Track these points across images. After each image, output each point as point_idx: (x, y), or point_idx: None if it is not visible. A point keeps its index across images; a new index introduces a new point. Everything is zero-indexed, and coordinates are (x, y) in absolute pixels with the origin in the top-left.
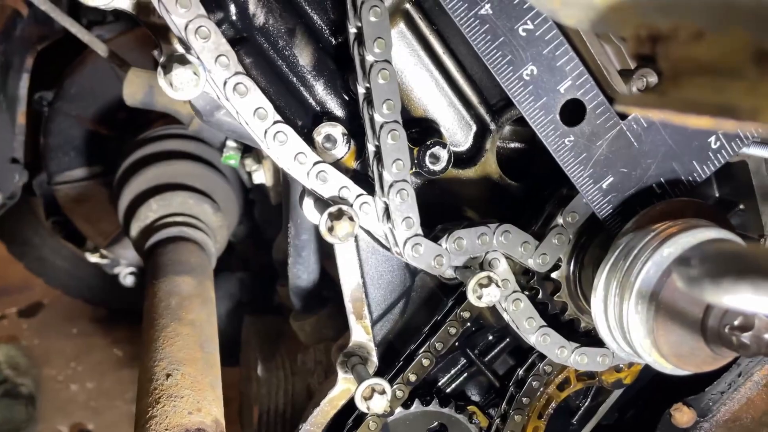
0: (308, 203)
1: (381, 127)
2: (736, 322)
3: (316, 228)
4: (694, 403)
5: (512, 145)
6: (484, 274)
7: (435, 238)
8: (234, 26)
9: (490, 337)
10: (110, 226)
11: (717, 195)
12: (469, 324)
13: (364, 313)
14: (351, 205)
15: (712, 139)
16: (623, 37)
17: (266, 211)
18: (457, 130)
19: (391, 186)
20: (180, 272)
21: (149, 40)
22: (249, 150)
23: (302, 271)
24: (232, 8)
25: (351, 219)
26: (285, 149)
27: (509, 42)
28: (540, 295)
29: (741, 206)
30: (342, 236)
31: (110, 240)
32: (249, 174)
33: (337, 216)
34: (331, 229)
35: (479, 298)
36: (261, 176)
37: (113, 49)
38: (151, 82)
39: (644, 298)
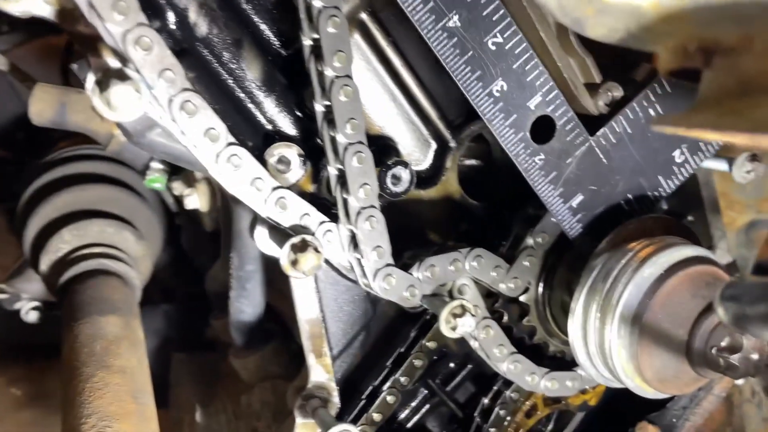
0: (261, 233)
1: (345, 149)
2: (723, 343)
3: (263, 258)
4: (657, 420)
5: (470, 162)
6: (456, 302)
7: (404, 267)
8: (173, 37)
9: (451, 365)
10: (8, 258)
11: (665, 207)
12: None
13: (323, 350)
14: (314, 234)
15: (677, 153)
16: (658, 50)
17: (195, 237)
18: (415, 148)
19: (358, 213)
20: (103, 311)
21: (53, 51)
22: (177, 172)
23: (246, 305)
24: (171, 16)
25: (317, 250)
26: (239, 174)
27: (478, 56)
28: (504, 319)
29: (690, 218)
30: (308, 270)
31: (10, 273)
32: (176, 198)
33: (302, 248)
34: (294, 263)
35: (453, 329)
36: (194, 201)
37: (13, 61)
38: (62, 99)
39: (627, 321)
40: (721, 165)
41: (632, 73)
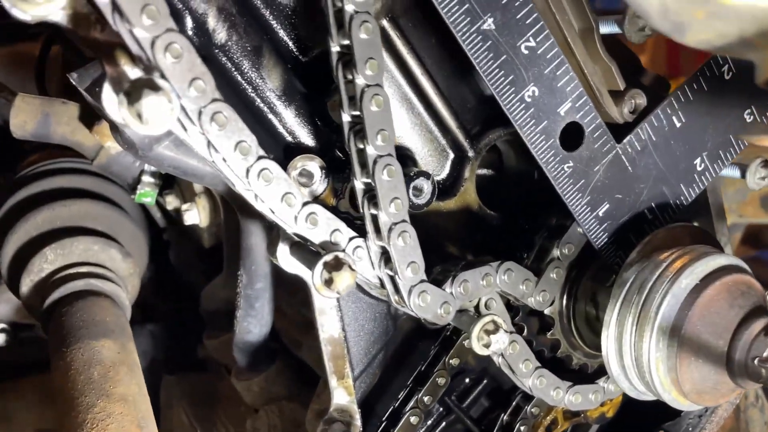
0: (283, 250)
1: (375, 161)
2: (765, 354)
3: (273, 274)
4: (673, 429)
5: (482, 172)
6: (488, 318)
7: (435, 282)
8: (191, 43)
9: (467, 380)
10: None
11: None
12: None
13: (345, 371)
14: (344, 251)
15: (698, 161)
16: (764, 59)
17: (185, 253)
18: (433, 158)
19: (390, 229)
20: (97, 335)
21: (25, 59)
22: (169, 185)
23: (254, 325)
24: (189, 22)
25: (351, 268)
26: (270, 189)
27: (511, 60)
28: (524, 332)
29: (695, 224)
30: (343, 289)
31: None
32: (165, 212)
33: (335, 266)
34: (328, 282)
35: (486, 345)
36: (194, 216)
37: None
38: (45, 110)
39: (665, 333)
40: (733, 172)
41: (640, 77)
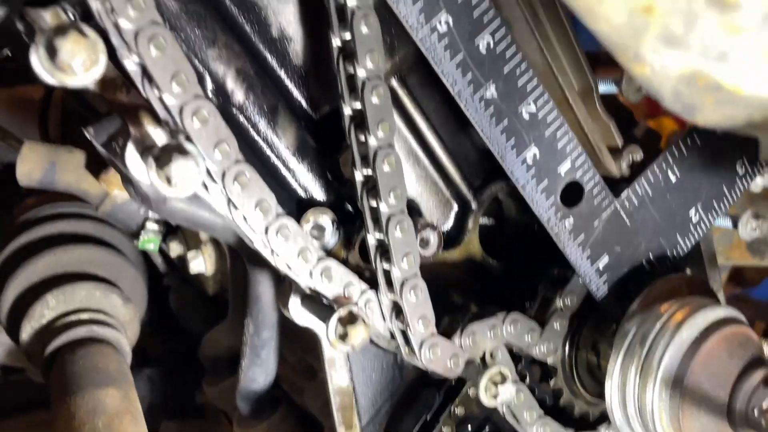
0: (295, 303)
1: (388, 219)
2: (764, 404)
3: (281, 323)
4: None
5: (489, 222)
6: (495, 369)
7: (445, 334)
8: (213, 105)
9: (470, 428)
10: None
11: None
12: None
13: (354, 421)
14: (357, 305)
15: (692, 212)
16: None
17: (185, 299)
18: (438, 209)
19: (403, 284)
20: (100, 384)
21: (27, 103)
22: (173, 232)
23: (259, 374)
24: (209, 83)
25: (365, 322)
26: (288, 246)
27: (513, 125)
28: (527, 381)
29: (688, 271)
30: (357, 344)
31: None
32: (167, 258)
33: (350, 320)
34: (343, 337)
35: (494, 396)
36: (200, 265)
37: None
38: (51, 158)
39: (668, 384)
40: (726, 223)
41: (633, 131)
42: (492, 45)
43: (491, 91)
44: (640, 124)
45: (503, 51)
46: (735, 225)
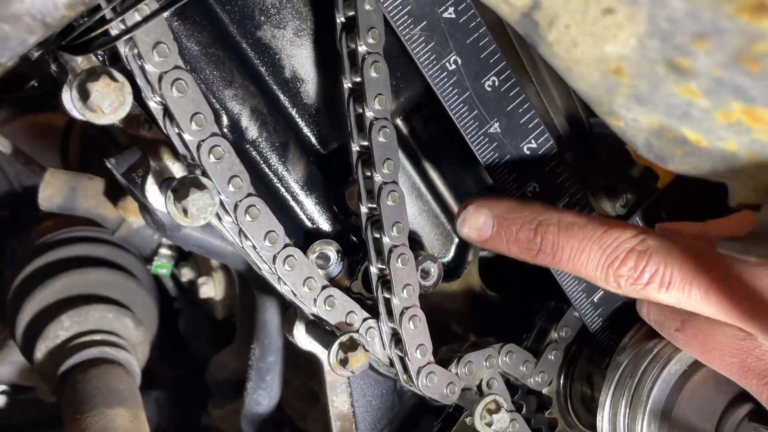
0: (300, 329)
1: (390, 251)
2: None
3: (285, 349)
4: None
5: (489, 255)
6: (490, 398)
7: (442, 363)
8: (225, 139)
9: None
10: None
11: None
12: None
13: None
14: (358, 332)
15: None
16: (735, 185)
17: (195, 323)
18: (439, 241)
19: (402, 313)
20: (111, 403)
21: (50, 130)
22: (185, 258)
23: (264, 397)
24: (225, 120)
25: (365, 349)
26: (294, 274)
27: (515, 159)
28: (523, 411)
29: None
30: (356, 369)
31: None
32: (178, 283)
33: (351, 346)
34: (344, 362)
35: (489, 425)
36: (210, 290)
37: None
38: (72, 184)
39: (656, 416)
40: None
41: (630, 170)
42: (497, 84)
43: (495, 128)
44: (637, 164)
45: (507, 90)
46: None
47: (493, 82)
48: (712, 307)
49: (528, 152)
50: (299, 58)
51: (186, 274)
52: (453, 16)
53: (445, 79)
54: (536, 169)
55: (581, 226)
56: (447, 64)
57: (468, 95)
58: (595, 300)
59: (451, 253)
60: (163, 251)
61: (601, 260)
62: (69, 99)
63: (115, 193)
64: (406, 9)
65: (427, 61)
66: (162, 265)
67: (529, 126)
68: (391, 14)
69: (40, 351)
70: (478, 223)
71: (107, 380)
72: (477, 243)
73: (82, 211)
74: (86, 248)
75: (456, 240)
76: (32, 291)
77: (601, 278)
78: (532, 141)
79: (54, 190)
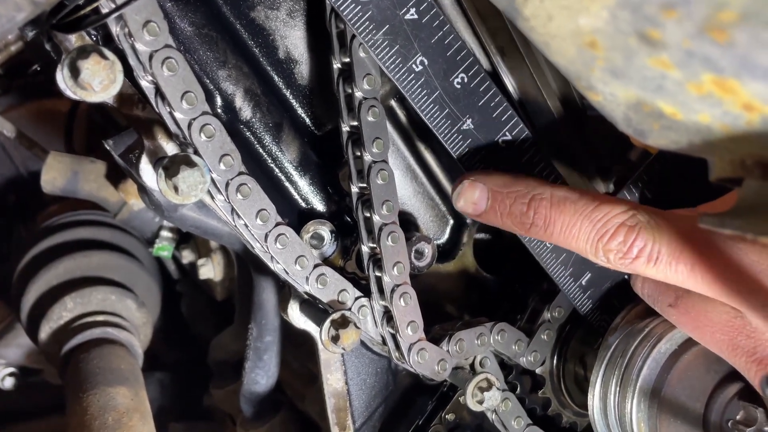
0: (294, 307)
1: (380, 229)
2: (738, 417)
3: (282, 328)
4: None
5: (480, 236)
6: (482, 376)
7: (434, 341)
8: (219, 119)
9: None
10: None
11: None
12: (451, 426)
13: (347, 423)
14: (350, 310)
15: None
16: (713, 159)
17: (196, 305)
18: (434, 223)
19: (393, 290)
20: (112, 382)
21: (54, 115)
22: (186, 240)
23: (261, 376)
24: (218, 100)
25: (356, 326)
26: (286, 252)
27: (491, 154)
28: (518, 390)
29: None
30: (347, 345)
31: None
32: (180, 265)
33: (342, 323)
34: (335, 339)
35: (480, 402)
36: (209, 271)
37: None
38: (74, 168)
39: (646, 395)
40: None
41: (628, 153)
42: (466, 80)
43: (468, 124)
44: (636, 147)
45: (477, 86)
46: None
47: (462, 79)
48: (699, 284)
49: (504, 145)
50: (293, 38)
51: (187, 256)
52: (415, 16)
53: (413, 81)
54: (513, 161)
55: (573, 200)
56: (413, 66)
57: (438, 95)
58: (583, 283)
59: (446, 235)
60: (164, 234)
61: (591, 234)
62: (61, 78)
63: (116, 176)
64: (367, 15)
65: (392, 65)
66: (163, 248)
67: (503, 119)
68: (352, 21)
69: (45, 332)
70: (474, 197)
71: (109, 360)
72: (472, 216)
73: (84, 194)
74: (89, 231)
75: (451, 222)
76: (36, 273)
77: (591, 252)
78: (507, 133)
79: (56, 173)
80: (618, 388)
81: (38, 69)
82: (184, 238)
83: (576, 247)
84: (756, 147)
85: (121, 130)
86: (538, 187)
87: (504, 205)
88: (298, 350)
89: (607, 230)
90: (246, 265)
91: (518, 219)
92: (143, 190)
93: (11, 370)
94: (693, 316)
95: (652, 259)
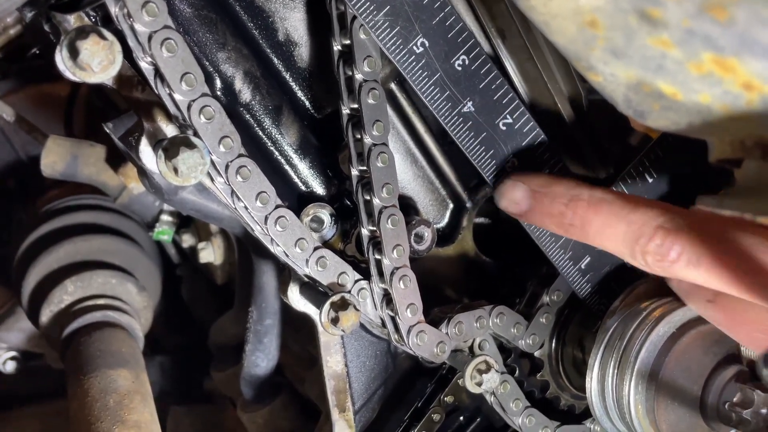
0: (294, 290)
1: (380, 212)
2: (735, 399)
3: (282, 311)
4: None
5: (479, 220)
6: (481, 359)
7: (433, 323)
8: (218, 102)
9: (461, 418)
10: None
11: None
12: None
13: (347, 405)
14: (350, 292)
15: None
16: (712, 140)
17: (197, 289)
18: (434, 207)
19: (392, 273)
20: (113, 365)
21: (53, 100)
22: (186, 224)
23: (261, 359)
24: (218, 83)
25: (356, 308)
26: (285, 235)
27: (491, 136)
28: (516, 374)
29: None
30: (347, 327)
31: None
32: (180, 250)
33: (342, 305)
34: (335, 321)
35: (478, 384)
36: (209, 255)
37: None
38: (74, 151)
39: (644, 377)
40: None
41: (629, 138)
42: (467, 62)
43: (469, 107)
44: (636, 132)
45: (478, 68)
46: None
47: (463, 61)
48: (737, 287)
49: (504, 128)
50: (292, 20)
51: (187, 240)
52: None
53: (414, 63)
54: (514, 145)
55: (609, 202)
56: (414, 48)
57: (438, 77)
58: (582, 267)
59: (446, 219)
60: (165, 218)
61: (627, 236)
62: (60, 59)
63: (116, 160)
64: None
65: (393, 47)
66: (163, 232)
67: (504, 102)
68: (352, 2)
69: (45, 315)
70: (516, 197)
71: (110, 343)
72: (515, 215)
73: (84, 178)
74: (89, 216)
75: (451, 206)
76: (37, 257)
77: (628, 253)
78: (508, 116)
79: (56, 157)
80: (616, 371)
81: (37, 52)
82: (184, 223)
83: (613, 248)
84: (756, 127)
85: (121, 113)
86: (577, 187)
87: (543, 205)
88: (298, 334)
89: (644, 233)
90: (246, 249)
91: (557, 219)
92: (143, 173)
93: (12, 354)
94: (730, 314)
95: (691, 262)
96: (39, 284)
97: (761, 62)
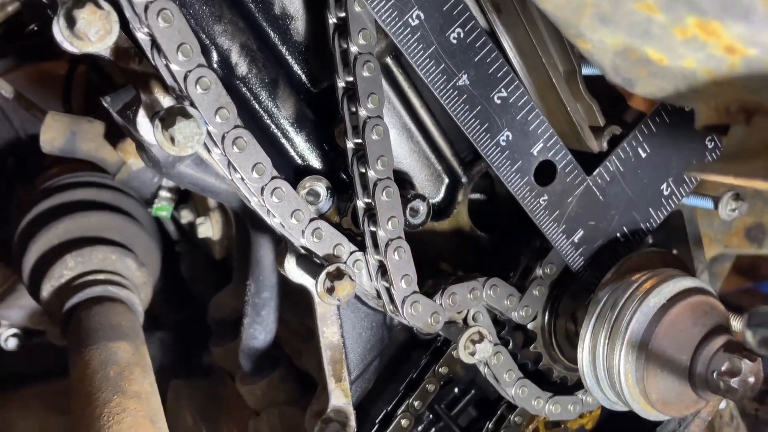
0: (290, 262)
1: (375, 184)
2: (723, 368)
3: (279, 284)
4: None
5: (475, 196)
6: (474, 329)
7: (427, 294)
8: (215, 74)
9: (456, 390)
10: None
11: (651, 241)
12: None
13: (343, 375)
14: (345, 263)
15: (664, 186)
16: (698, 107)
17: (196, 265)
18: (429, 182)
19: (387, 244)
20: (113, 338)
21: (52, 77)
22: (184, 200)
23: (259, 332)
24: (215, 56)
25: (351, 278)
26: (282, 206)
27: (486, 110)
28: (510, 346)
29: (674, 251)
30: (343, 297)
31: None
32: (179, 225)
33: (337, 276)
34: (330, 290)
35: (472, 354)
36: (207, 229)
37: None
38: (72, 128)
39: (634, 347)
40: (706, 203)
41: (624, 114)
42: (462, 36)
43: (464, 80)
44: (631, 108)
45: (473, 41)
46: (716, 206)
47: (459, 34)
48: None
49: (499, 101)
50: None
51: (185, 216)
52: None
53: (409, 35)
54: (508, 118)
55: None
56: (410, 20)
57: (434, 49)
58: (575, 240)
59: (441, 194)
60: (163, 194)
61: None
62: (58, 29)
63: (115, 136)
64: None
65: (389, 19)
66: (162, 208)
67: (498, 75)
68: None
69: (46, 290)
70: None
71: (110, 316)
72: None
73: (83, 154)
74: (88, 193)
75: (446, 181)
76: (37, 233)
77: None
78: (503, 90)
79: (55, 133)
80: (607, 341)
81: (35, 29)
82: (182, 199)
83: None
84: (739, 91)
85: (119, 89)
86: None
87: None
88: (295, 307)
89: None
90: (244, 224)
91: None
92: (141, 147)
93: (14, 331)
94: None
95: None
96: (39, 260)
97: (742, 25)
